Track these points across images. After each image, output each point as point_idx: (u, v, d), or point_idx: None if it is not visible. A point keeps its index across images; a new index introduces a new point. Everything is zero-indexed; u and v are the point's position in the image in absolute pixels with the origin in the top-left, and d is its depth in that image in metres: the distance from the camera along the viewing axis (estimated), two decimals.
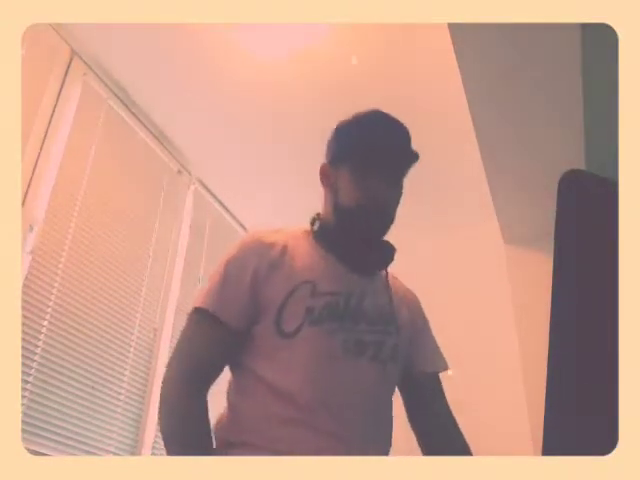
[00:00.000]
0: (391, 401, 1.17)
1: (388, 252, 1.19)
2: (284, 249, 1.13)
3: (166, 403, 1.04)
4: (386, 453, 1.11)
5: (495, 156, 2.36)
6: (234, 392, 1.11)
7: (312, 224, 1.23)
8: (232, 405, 1.10)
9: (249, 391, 1.07)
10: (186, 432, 1.01)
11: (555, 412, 0.66)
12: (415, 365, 1.23)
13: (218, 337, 1.08)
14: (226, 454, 1.01)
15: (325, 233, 1.19)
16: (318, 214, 1.25)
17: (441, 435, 1.20)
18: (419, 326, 1.27)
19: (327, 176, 1.24)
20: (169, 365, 1.08)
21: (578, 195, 0.73)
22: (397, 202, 1.20)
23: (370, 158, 1.16)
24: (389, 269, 1.24)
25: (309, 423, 1.01)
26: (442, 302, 2.81)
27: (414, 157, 1.18)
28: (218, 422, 1.09)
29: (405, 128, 1.19)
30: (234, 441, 1.03)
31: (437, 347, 1.29)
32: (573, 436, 0.66)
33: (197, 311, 1.09)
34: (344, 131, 1.25)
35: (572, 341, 0.70)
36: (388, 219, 1.18)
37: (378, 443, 1.10)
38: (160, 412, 1.04)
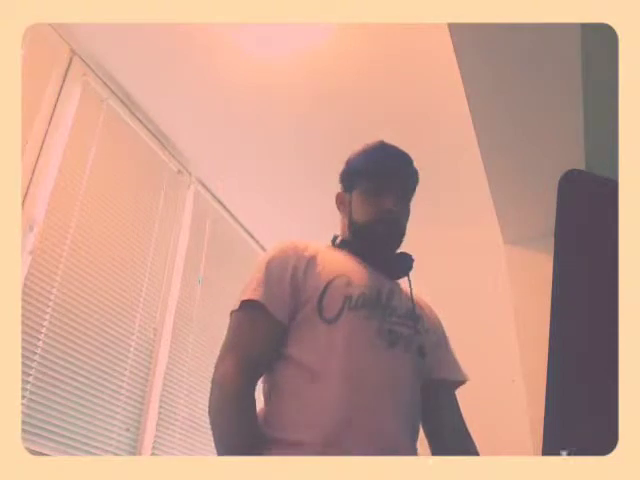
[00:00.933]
0: (419, 393, 1.21)
1: (407, 260, 1.30)
2: (317, 251, 1.24)
3: (225, 395, 1.08)
4: (414, 444, 1.13)
5: (495, 156, 2.36)
6: (273, 388, 1.13)
7: (333, 241, 1.37)
8: (270, 400, 1.12)
9: (290, 383, 1.10)
10: (242, 426, 1.04)
11: (555, 412, 0.67)
12: (436, 372, 1.28)
13: (269, 327, 1.14)
14: (268, 450, 1.02)
15: (347, 244, 1.32)
16: (337, 235, 1.38)
17: (454, 442, 1.24)
18: (440, 337, 1.36)
19: (342, 202, 1.38)
20: (223, 358, 1.12)
21: (578, 195, 0.73)
22: (406, 217, 1.33)
23: (378, 179, 1.30)
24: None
25: (349, 419, 1.03)
26: (442, 302, 2.81)
27: (416, 177, 1.35)
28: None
29: (407, 154, 1.35)
30: (276, 438, 1.05)
31: (457, 359, 1.37)
32: (573, 436, 0.66)
33: (246, 304, 1.15)
34: (354, 161, 1.38)
35: (572, 341, 0.70)
36: (399, 231, 1.31)
37: (410, 434, 1.13)
38: (217, 403, 1.09)
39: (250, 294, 1.15)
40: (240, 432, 1.03)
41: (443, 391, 1.30)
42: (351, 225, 1.32)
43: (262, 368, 1.14)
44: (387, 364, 1.12)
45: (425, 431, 1.24)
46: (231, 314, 1.18)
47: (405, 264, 1.30)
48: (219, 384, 1.10)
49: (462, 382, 1.33)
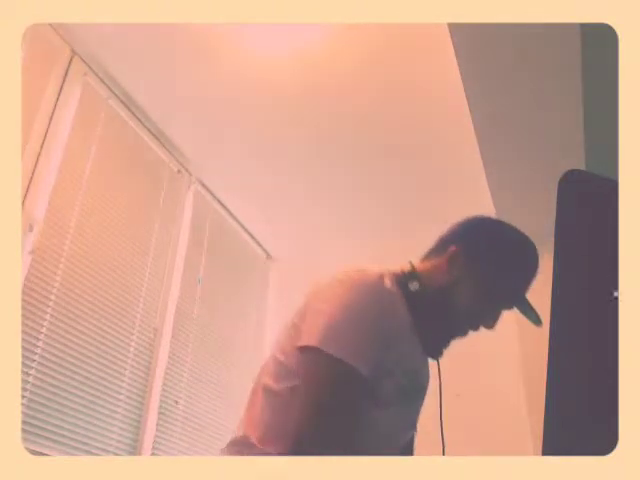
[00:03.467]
0: None
1: (444, 346, 1.20)
2: (402, 318, 1.10)
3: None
4: None
5: (495, 156, 2.36)
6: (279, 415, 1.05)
7: (407, 278, 1.15)
8: (270, 426, 1.05)
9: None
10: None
11: (555, 412, 0.66)
12: None
13: (358, 391, 1.01)
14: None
15: (420, 305, 1.13)
16: (413, 268, 1.18)
17: None
18: None
19: (456, 262, 1.16)
20: (319, 416, 0.98)
21: (578, 195, 0.73)
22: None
23: (507, 298, 1.16)
24: None
25: None
26: None
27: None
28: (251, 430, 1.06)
29: None
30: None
31: None
32: (573, 436, 0.66)
33: (339, 363, 0.98)
34: (497, 241, 1.19)
35: (572, 341, 0.70)
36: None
37: None
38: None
39: (342, 352, 0.98)
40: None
41: None
42: (443, 290, 1.15)
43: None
44: (403, 448, 1.15)
45: None
46: (307, 349, 1.02)
47: (442, 349, 1.19)
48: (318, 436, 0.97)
49: None
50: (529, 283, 1.18)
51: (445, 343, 1.18)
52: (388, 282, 1.09)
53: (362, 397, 1.02)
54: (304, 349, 1.02)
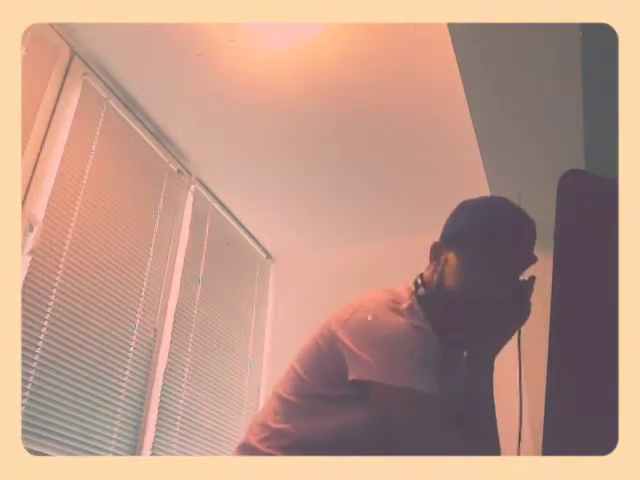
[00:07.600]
0: None
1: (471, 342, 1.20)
2: (430, 334, 1.12)
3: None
4: None
5: (495, 156, 2.36)
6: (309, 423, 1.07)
7: (416, 287, 1.18)
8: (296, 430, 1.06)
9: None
10: None
11: (555, 412, 0.67)
12: None
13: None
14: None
15: (427, 306, 1.15)
16: (422, 276, 1.20)
17: None
18: None
19: (436, 254, 1.18)
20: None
21: (578, 195, 0.73)
22: (508, 301, 1.13)
23: (484, 249, 1.10)
24: None
25: None
26: None
27: (532, 259, 1.11)
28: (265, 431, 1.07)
29: (532, 224, 1.11)
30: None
31: None
32: (573, 436, 0.66)
33: (411, 392, 1.02)
34: (464, 214, 1.19)
35: (572, 341, 0.70)
36: (486, 311, 1.13)
37: None
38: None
39: (416, 382, 1.02)
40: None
41: None
42: (438, 286, 1.15)
43: None
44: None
45: None
46: (380, 385, 1.03)
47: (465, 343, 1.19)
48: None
49: None
50: (518, 241, 1.11)
51: (468, 339, 1.18)
52: (414, 300, 1.13)
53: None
54: (369, 383, 1.03)
